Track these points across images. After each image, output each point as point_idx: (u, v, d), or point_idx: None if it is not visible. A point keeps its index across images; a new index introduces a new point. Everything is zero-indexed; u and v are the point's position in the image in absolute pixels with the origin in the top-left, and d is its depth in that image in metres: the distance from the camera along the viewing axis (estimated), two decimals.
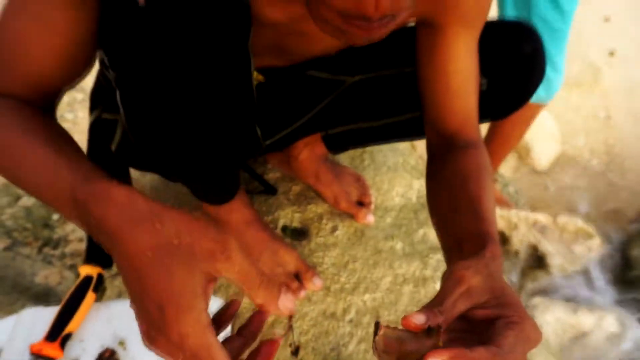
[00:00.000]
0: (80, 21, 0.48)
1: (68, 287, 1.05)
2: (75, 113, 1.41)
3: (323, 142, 0.97)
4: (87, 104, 1.40)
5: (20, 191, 1.23)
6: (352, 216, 1.00)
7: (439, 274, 0.96)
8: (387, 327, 0.40)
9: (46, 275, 1.06)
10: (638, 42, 2.02)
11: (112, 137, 0.73)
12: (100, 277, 0.69)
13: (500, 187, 1.58)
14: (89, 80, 1.49)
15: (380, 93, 0.83)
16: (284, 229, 0.98)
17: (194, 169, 0.61)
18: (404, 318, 0.39)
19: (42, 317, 0.66)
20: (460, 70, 0.65)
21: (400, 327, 0.40)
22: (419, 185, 1.13)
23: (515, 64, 0.72)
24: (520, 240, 1.34)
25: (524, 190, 1.55)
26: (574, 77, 1.84)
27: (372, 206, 1.03)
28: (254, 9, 0.55)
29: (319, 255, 0.94)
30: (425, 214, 1.07)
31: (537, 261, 1.33)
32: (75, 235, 1.18)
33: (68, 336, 0.63)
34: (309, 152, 0.98)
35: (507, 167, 1.64)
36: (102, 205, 0.38)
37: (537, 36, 0.73)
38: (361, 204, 1.02)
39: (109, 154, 0.76)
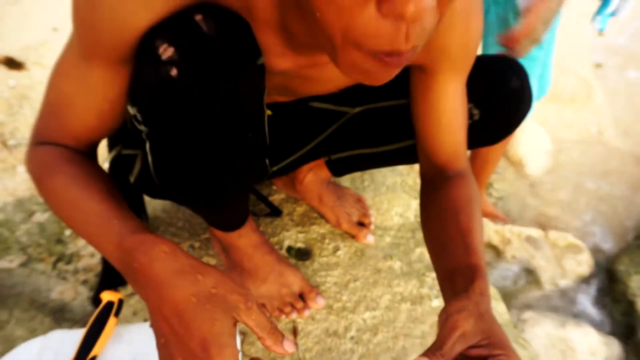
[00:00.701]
0: (116, 85, 0.54)
1: (82, 302, 1.10)
2: None
3: (326, 167, 1.02)
4: None
5: (33, 207, 1.28)
6: (353, 236, 1.06)
7: (435, 292, 1.02)
8: None
9: (61, 291, 1.10)
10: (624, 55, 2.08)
11: (131, 169, 0.78)
12: (120, 302, 0.74)
13: (495, 200, 1.64)
14: None
15: (380, 123, 0.88)
16: (289, 249, 1.03)
17: (211, 202, 0.66)
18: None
19: (68, 339, 0.71)
20: (449, 109, 0.71)
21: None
22: (417, 205, 1.19)
23: (505, 97, 0.78)
24: (512, 254, 1.40)
25: (518, 203, 1.61)
26: (570, 93, 1.90)
27: (372, 226, 1.09)
28: (266, 61, 0.60)
29: (322, 274, 0.99)
30: (421, 233, 1.12)
31: (529, 274, 1.39)
32: (86, 250, 1.23)
33: (93, 359, 0.68)
34: (313, 175, 1.03)
35: (503, 181, 1.70)
36: (149, 254, 0.46)
37: (524, 71, 0.79)
38: (362, 224, 1.07)
39: (127, 184, 0.82)
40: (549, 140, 1.72)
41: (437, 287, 1.02)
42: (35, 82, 1.55)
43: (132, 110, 0.55)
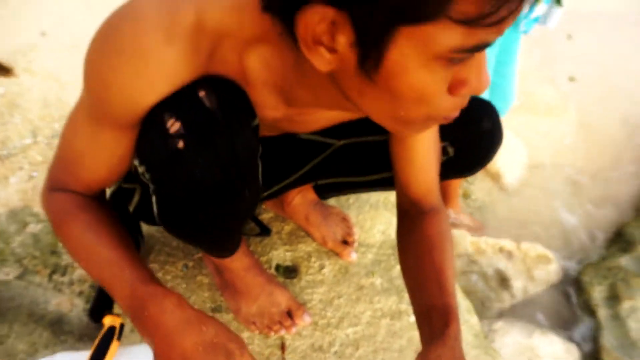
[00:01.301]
0: (124, 144, 0.59)
1: (79, 314, 1.15)
2: None
3: (313, 190, 1.08)
4: None
5: (27, 218, 1.31)
6: (337, 254, 1.13)
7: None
8: None
9: (58, 303, 1.15)
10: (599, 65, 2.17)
11: (130, 200, 0.83)
12: (122, 327, 0.79)
13: (473, 210, 1.73)
14: None
15: (363, 155, 0.94)
16: (277, 267, 1.09)
17: (209, 241, 0.72)
18: None
19: None
20: (423, 151, 0.78)
21: None
22: None
23: (477, 138, 0.85)
24: (487, 264, 1.48)
25: (495, 213, 1.70)
26: (546, 104, 1.98)
27: (356, 244, 1.16)
28: (259, 113, 0.65)
29: (308, 292, 1.06)
30: None
31: (502, 283, 1.48)
32: None
33: None
34: (301, 198, 1.09)
35: (480, 190, 1.78)
36: (160, 306, 0.53)
37: (495, 112, 0.86)
38: (346, 242, 1.14)
39: (126, 212, 0.87)
40: (525, 152, 1.81)
41: None
42: (24, 89, 1.56)
43: (140, 168, 0.60)
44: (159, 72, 0.52)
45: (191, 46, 0.53)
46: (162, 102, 0.54)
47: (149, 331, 0.54)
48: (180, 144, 0.54)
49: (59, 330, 1.07)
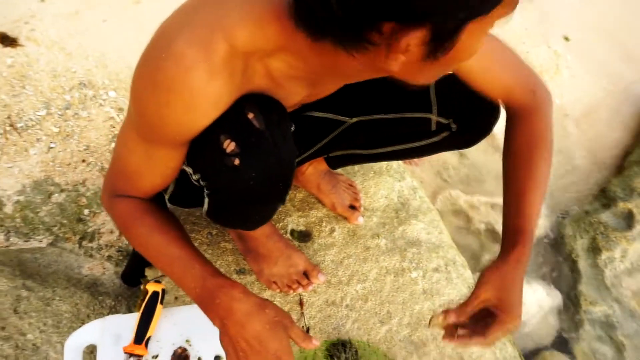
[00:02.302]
0: (177, 158, 0.68)
1: (111, 277, 1.27)
2: (88, 110, 1.52)
3: (324, 161, 1.17)
4: (97, 101, 1.52)
5: (50, 188, 1.39)
6: (346, 218, 1.23)
7: (414, 265, 1.22)
8: (433, 317, 0.75)
9: (90, 267, 1.26)
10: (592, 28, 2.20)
11: (165, 190, 0.92)
12: (163, 292, 0.90)
13: (468, 168, 1.82)
14: (97, 77, 1.59)
15: (374, 132, 1.02)
16: (292, 232, 1.20)
17: (249, 224, 0.84)
18: (448, 314, 0.72)
19: (124, 323, 0.88)
20: (484, 62, 0.77)
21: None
22: (399, 187, 1.36)
23: (478, 113, 0.93)
24: (480, 220, 1.61)
25: (488, 172, 1.80)
26: (539, 65, 2.03)
27: (362, 209, 1.26)
28: (284, 101, 0.72)
29: (321, 254, 1.17)
30: (404, 213, 1.31)
31: (494, 237, 1.61)
32: (105, 227, 1.37)
33: (148, 339, 0.85)
34: (313, 169, 1.18)
35: (475, 149, 1.87)
36: (229, 295, 0.65)
37: None
38: (353, 207, 1.24)
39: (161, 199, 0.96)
40: None
41: (416, 261, 1.22)
42: (31, 59, 1.58)
43: (194, 176, 0.68)
44: (207, 103, 0.59)
45: (228, 72, 0.59)
46: (214, 123, 0.61)
47: (221, 317, 0.65)
48: (237, 162, 0.62)
49: (96, 292, 1.19)
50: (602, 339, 1.42)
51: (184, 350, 0.86)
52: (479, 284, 0.74)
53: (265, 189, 0.67)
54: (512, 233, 0.76)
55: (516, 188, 0.79)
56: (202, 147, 0.64)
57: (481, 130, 0.96)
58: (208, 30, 0.56)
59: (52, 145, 1.45)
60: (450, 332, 0.74)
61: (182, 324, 0.89)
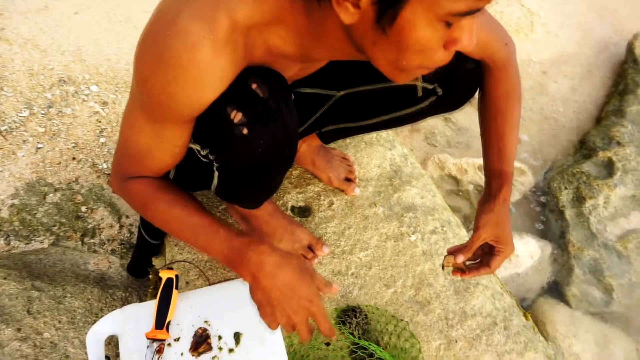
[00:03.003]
0: (185, 135, 0.69)
1: (117, 270, 1.28)
2: (72, 107, 1.50)
3: (317, 137, 1.19)
4: (80, 97, 1.51)
5: (44, 189, 1.38)
6: (343, 191, 1.26)
7: (412, 229, 1.26)
8: (446, 256, 0.91)
9: (96, 262, 1.27)
10: None
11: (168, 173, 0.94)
12: (177, 277, 0.92)
13: (454, 131, 1.87)
14: (76, 72, 1.57)
15: (362, 103, 1.04)
16: (292, 209, 1.23)
17: (255, 202, 0.87)
18: (455, 253, 0.86)
19: (142, 311, 0.90)
20: None
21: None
22: (391, 156, 1.39)
23: (462, 77, 0.96)
24: (469, 182, 1.66)
25: (475, 133, 1.84)
26: (515, 24, 2.06)
27: (357, 180, 1.29)
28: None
29: (322, 227, 1.21)
30: (397, 180, 1.34)
31: None
32: (105, 222, 1.38)
33: (169, 323, 0.88)
34: (307, 146, 1.20)
35: (459, 113, 1.91)
36: (258, 250, 0.69)
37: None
38: (348, 179, 1.28)
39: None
40: None
41: (414, 225, 1.27)
42: (5, 59, 1.54)
43: (203, 151, 0.70)
44: (214, 78, 0.61)
45: (232, 47, 0.61)
46: (220, 97, 0.63)
47: (253, 271, 0.69)
48: (245, 131, 0.64)
49: (105, 285, 1.20)
50: (592, 283, 1.51)
51: (204, 330, 0.89)
52: (477, 226, 0.86)
53: (273, 155, 0.70)
54: (497, 175, 0.88)
55: (496, 134, 0.90)
56: (210, 121, 0.66)
57: (467, 91, 0.99)
58: (210, 6, 0.58)
59: (39, 145, 1.44)
60: (460, 269, 0.91)
61: (199, 306, 0.92)
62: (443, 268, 0.92)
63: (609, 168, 1.65)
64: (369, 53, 0.62)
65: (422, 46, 0.57)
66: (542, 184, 1.71)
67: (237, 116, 0.64)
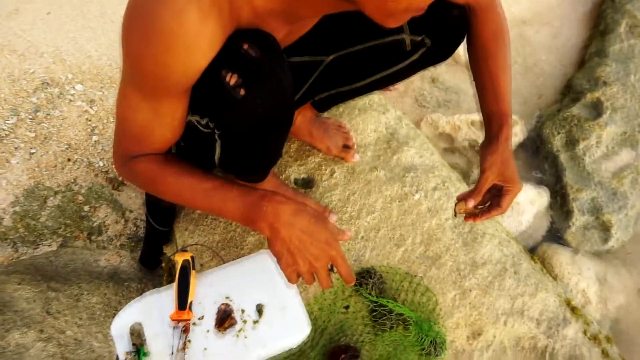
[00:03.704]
0: (181, 107, 0.69)
1: (129, 263, 1.29)
2: (59, 109, 1.48)
3: (311, 106, 1.19)
4: (66, 98, 1.49)
5: (43, 193, 1.37)
6: (342, 159, 1.27)
7: (414, 188, 1.28)
8: (457, 203, 0.93)
9: (107, 258, 1.27)
10: None
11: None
12: (192, 259, 0.93)
13: (443, 91, 1.88)
14: (59, 73, 1.55)
15: (353, 64, 1.04)
16: (295, 181, 1.24)
17: (257, 172, 0.87)
18: (465, 199, 0.89)
19: (163, 296, 0.91)
20: None
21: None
22: (385, 119, 1.40)
23: (449, 25, 0.96)
24: (463, 138, 1.67)
25: (463, 90, 1.85)
26: None
27: (355, 147, 1.30)
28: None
29: (327, 195, 1.22)
30: (395, 143, 1.35)
31: (477, 151, 1.68)
32: (110, 219, 1.38)
33: (191, 303, 0.89)
34: (302, 117, 1.21)
35: (446, 73, 1.91)
36: (273, 200, 0.71)
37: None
38: (347, 147, 1.28)
39: None
40: None
41: (416, 184, 1.29)
42: None
43: (202, 121, 0.70)
44: (205, 42, 0.60)
45: (217, 10, 0.60)
46: (213, 62, 0.63)
47: (270, 222, 0.70)
48: (242, 92, 0.64)
49: (120, 279, 1.21)
50: (591, 222, 1.55)
51: (227, 305, 0.90)
52: (483, 169, 0.88)
53: (273, 115, 0.70)
54: (496, 117, 0.89)
55: (489, 75, 0.90)
56: (205, 88, 0.66)
57: (455, 38, 0.99)
58: None
59: (32, 151, 1.42)
60: (472, 214, 0.94)
61: (218, 284, 0.93)
62: (455, 215, 0.94)
63: (598, 108, 1.68)
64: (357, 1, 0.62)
65: None
66: (533, 133, 1.73)
67: (232, 78, 0.64)
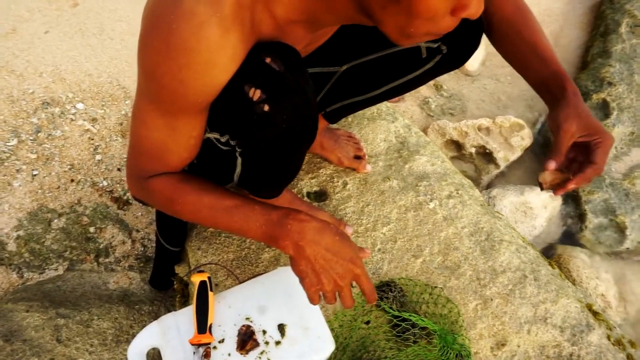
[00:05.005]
0: (199, 125, 0.66)
1: (139, 285, 1.25)
2: (60, 129, 1.45)
3: (323, 117, 1.17)
4: (67, 117, 1.46)
5: (46, 215, 1.34)
6: (354, 169, 1.25)
7: (429, 197, 1.26)
8: (540, 174, 0.81)
9: (115, 280, 1.24)
10: None
11: None
12: (209, 279, 0.90)
13: (446, 99, 1.87)
14: (59, 93, 1.52)
15: (366, 74, 1.03)
16: (308, 195, 1.21)
17: (276, 189, 0.84)
18: (549, 164, 0.78)
19: (181, 318, 0.88)
20: None
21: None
22: (394, 128, 1.38)
23: (464, 29, 0.94)
24: (471, 144, 1.66)
25: (468, 96, 1.84)
26: None
27: (367, 157, 1.28)
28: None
29: (341, 208, 1.19)
30: (405, 151, 1.33)
31: (487, 157, 1.67)
32: (116, 240, 1.34)
33: (210, 326, 0.86)
34: None
35: (449, 80, 1.91)
36: (297, 218, 0.69)
37: None
38: (358, 157, 1.26)
39: None
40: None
41: (430, 193, 1.26)
42: None
43: (222, 139, 0.67)
44: (226, 57, 0.58)
45: (239, 23, 0.58)
46: (235, 77, 0.60)
47: (295, 240, 0.68)
48: (266, 108, 0.61)
49: (130, 302, 1.17)
50: (605, 224, 1.53)
51: (248, 327, 0.87)
52: (559, 125, 0.77)
53: (297, 129, 0.68)
54: (552, 78, 0.81)
55: (528, 46, 0.84)
56: (227, 104, 0.63)
57: (472, 43, 0.97)
58: None
59: (34, 172, 1.39)
60: (562, 182, 0.80)
61: (237, 304, 0.90)
62: (542, 189, 0.82)
63: (605, 109, 1.67)
64: (377, 17, 0.60)
65: (432, 13, 0.56)
66: (540, 137, 1.72)
67: (255, 94, 0.61)
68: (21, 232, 1.29)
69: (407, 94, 1.82)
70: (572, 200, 1.56)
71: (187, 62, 0.56)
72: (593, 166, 0.77)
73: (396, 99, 1.72)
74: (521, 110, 1.83)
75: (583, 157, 0.78)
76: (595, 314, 1.26)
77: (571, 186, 0.79)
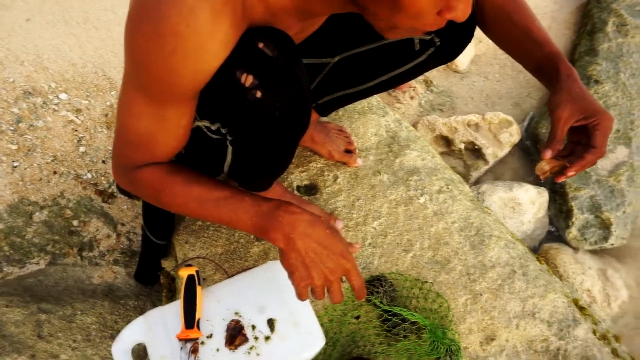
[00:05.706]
0: (187, 114, 0.64)
1: (124, 279, 1.22)
2: (43, 119, 1.41)
3: (314, 110, 1.15)
4: (50, 107, 1.42)
5: (27, 208, 1.30)
6: (345, 163, 1.24)
7: (419, 191, 1.25)
8: (540, 161, 0.79)
9: (100, 275, 1.21)
10: None
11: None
12: (197, 273, 0.88)
13: (436, 95, 1.86)
14: (41, 82, 1.48)
15: (358, 66, 1.01)
16: (298, 188, 1.19)
17: (266, 180, 0.82)
18: (545, 153, 0.75)
19: (167, 313, 0.86)
20: None
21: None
22: (385, 122, 1.37)
23: (458, 26, 0.94)
24: (460, 140, 1.66)
25: (457, 93, 1.84)
26: None
27: (357, 151, 1.27)
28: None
29: (331, 202, 1.18)
30: (396, 146, 1.33)
31: (476, 154, 1.67)
32: (101, 233, 1.31)
33: (198, 321, 0.84)
34: None
35: (438, 77, 1.91)
36: (288, 210, 0.67)
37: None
38: (349, 151, 1.25)
39: None
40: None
41: (420, 188, 1.26)
42: None
43: (213, 127, 0.65)
44: (217, 43, 0.56)
45: (231, 9, 0.56)
46: (226, 62, 0.58)
47: (286, 233, 0.66)
48: (259, 94, 0.59)
49: (115, 297, 1.15)
50: (590, 220, 1.54)
51: (237, 322, 0.85)
52: (552, 109, 0.77)
53: (290, 117, 0.66)
54: (546, 60, 0.80)
55: (521, 29, 0.84)
56: (217, 91, 0.61)
57: (465, 36, 0.97)
58: None
59: (15, 164, 1.34)
60: (561, 169, 0.79)
61: (225, 299, 0.88)
62: (541, 178, 0.81)
63: None
64: (363, 3, 0.59)
65: (417, 10, 0.55)
66: (529, 133, 1.73)
67: (248, 79, 0.59)
68: (1, 225, 1.25)
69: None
70: (559, 196, 1.57)
71: (177, 48, 0.54)
72: (593, 150, 0.75)
73: (405, 85, 1.71)
74: (509, 107, 1.84)
75: (586, 139, 0.77)
76: (581, 309, 1.27)
77: (571, 172, 0.78)
